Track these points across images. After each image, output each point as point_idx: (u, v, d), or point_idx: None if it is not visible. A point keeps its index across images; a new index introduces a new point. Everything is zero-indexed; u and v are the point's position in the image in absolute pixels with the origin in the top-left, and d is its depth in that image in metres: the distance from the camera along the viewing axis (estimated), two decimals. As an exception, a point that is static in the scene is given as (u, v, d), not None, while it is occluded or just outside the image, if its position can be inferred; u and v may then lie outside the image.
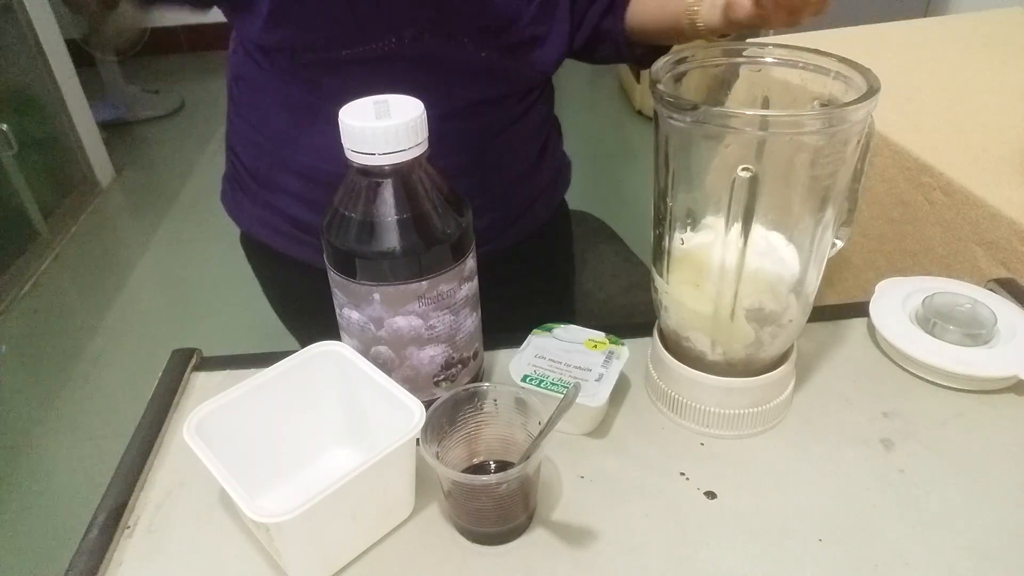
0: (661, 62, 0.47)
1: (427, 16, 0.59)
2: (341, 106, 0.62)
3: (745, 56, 0.49)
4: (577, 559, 0.44)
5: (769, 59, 0.48)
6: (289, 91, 0.66)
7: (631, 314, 1.00)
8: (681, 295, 0.49)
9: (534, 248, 0.80)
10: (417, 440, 0.42)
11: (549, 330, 0.56)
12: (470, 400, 0.47)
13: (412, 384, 0.50)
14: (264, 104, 0.69)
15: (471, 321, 0.51)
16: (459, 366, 0.52)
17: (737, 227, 0.45)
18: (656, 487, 0.48)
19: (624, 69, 2.95)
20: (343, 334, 0.51)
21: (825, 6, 0.51)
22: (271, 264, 0.77)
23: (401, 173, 0.45)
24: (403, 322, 0.47)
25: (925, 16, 1.83)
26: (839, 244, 0.51)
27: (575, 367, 0.52)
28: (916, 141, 0.86)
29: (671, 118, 0.43)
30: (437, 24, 0.60)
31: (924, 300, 0.58)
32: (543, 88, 0.75)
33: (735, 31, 0.58)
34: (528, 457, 0.42)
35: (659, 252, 0.51)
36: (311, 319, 0.60)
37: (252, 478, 0.44)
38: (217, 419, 0.44)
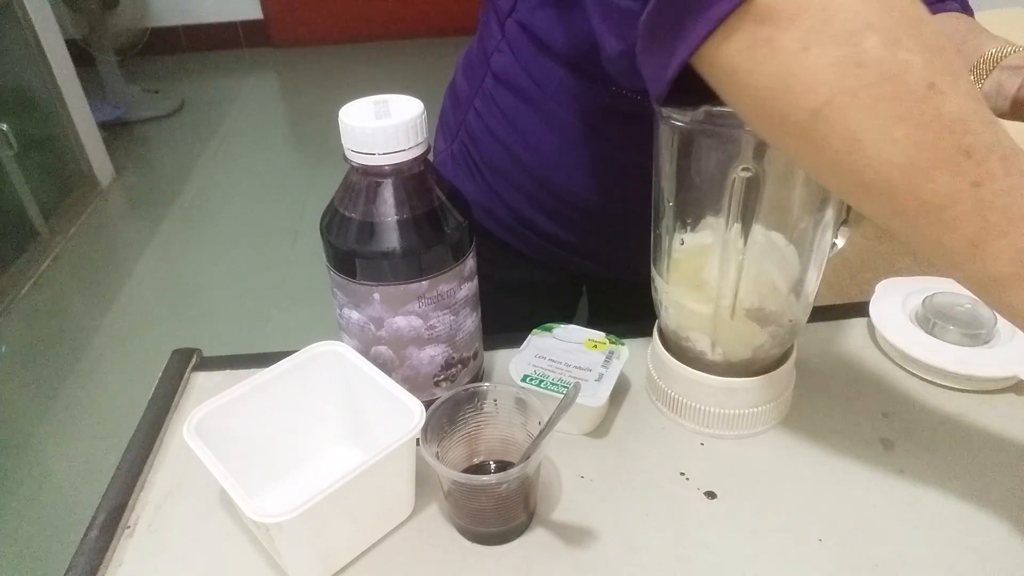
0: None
1: None
2: (616, 146, 0.63)
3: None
4: (577, 559, 0.44)
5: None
6: (560, 117, 0.63)
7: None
8: (681, 295, 0.49)
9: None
10: (417, 440, 0.42)
11: (549, 330, 0.56)
12: (470, 400, 0.47)
13: (412, 384, 0.50)
14: (530, 118, 0.65)
15: (471, 321, 0.51)
16: (459, 366, 0.52)
17: (737, 227, 0.45)
18: (656, 487, 0.48)
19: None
20: (343, 334, 0.51)
21: None
22: (483, 244, 0.67)
23: (401, 173, 0.45)
24: (403, 322, 0.47)
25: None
26: (839, 244, 0.51)
27: (575, 367, 0.52)
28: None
29: (671, 118, 0.43)
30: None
31: (924, 300, 0.58)
32: None
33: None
34: (528, 457, 0.42)
35: (659, 252, 0.51)
36: (500, 307, 0.58)
37: (252, 478, 0.44)
38: (217, 419, 0.44)
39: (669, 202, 0.48)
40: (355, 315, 0.48)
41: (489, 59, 0.67)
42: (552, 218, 0.70)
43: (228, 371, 0.59)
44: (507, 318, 0.59)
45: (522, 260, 0.75)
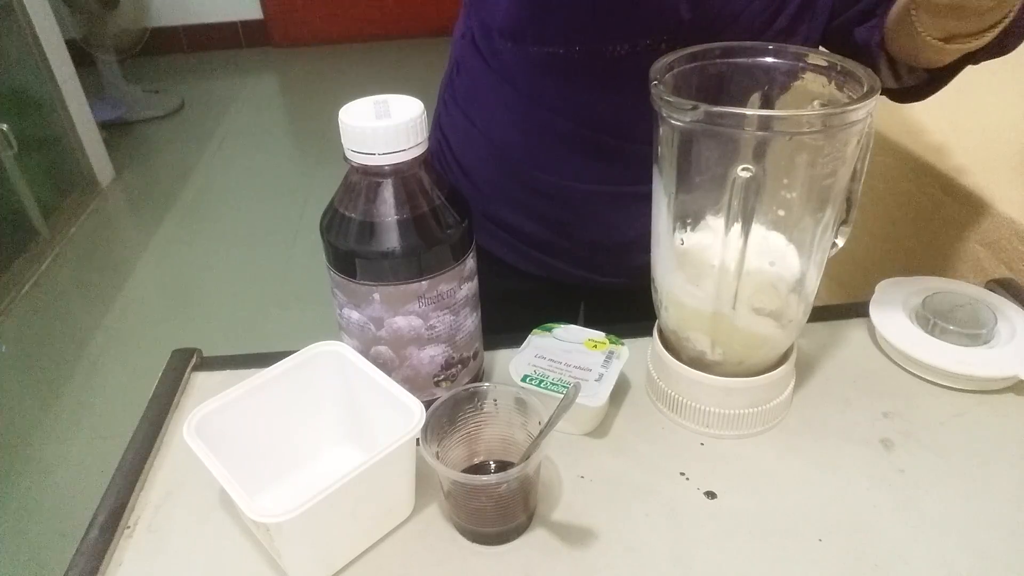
0: (661, 62, 0.47)
1: (670, 25, 0.56)
2: (562, 116, 0.64)
3: (745, 56, 0.49)
4: (577, 559, 0.44)
5: (769, 59, 0.48)
6: (509, 93, 0.64)
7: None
8: (681, 295, 0.49)
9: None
10: (417, 440, 0.42)
11: (549, 330, 0.56)
12: (470, 400, 0.47)
13: (412, 384, 0.50)
14: (485, 100, 0.67)
15: (471, 321, 0.51)
16: (459, 366, 0.52)
17: (737, 227, 0.45)
18: (656, 487, 0.48)
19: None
20: (343, 334, 0.51)
21: None
22: (483, 261, 0.61)
23: (401, 173, 0.45)
24: (403, 322, 0.47)
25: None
26: (839, 244, 0.51)
27: (575, 367, 0.52)
28: (916, 141, 0.86)
29: (671, 118, 0.43)
30: (678, 35, 0.56)
31: (924, 300, 0.58)
32: None
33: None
34: (528, 457, 0.42)
35: (659, 252, 0.51)
36: (509, 323, 0.59)
37: (252, 478, 0.44)
38: (217, 419, 0.44)
39: (669, 202, 0.48)
40: (355, 315, 0.48)
41: (455, 48, 0.69)
42: (516, 209, 0.70)
43: (228, 371, 0.59)
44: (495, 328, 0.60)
45: (502, 267, 0.75)
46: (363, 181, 0.46)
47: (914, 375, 0.56)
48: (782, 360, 0.51)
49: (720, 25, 0.55)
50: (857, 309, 0.62)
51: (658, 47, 0.56)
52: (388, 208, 0.45)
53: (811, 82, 0.47)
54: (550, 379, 0.51)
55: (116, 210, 2.51)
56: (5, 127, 1.99)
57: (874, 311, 0.59)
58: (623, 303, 0.70)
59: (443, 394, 0.46)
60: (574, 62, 0.59)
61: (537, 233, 0.71)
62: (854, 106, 0.41)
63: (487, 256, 0.74)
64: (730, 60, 0.49)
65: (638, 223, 0.60)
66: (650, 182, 0.50)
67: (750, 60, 0.49)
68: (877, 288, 0.61)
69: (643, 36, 0.57)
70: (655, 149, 0.47)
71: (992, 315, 0.57)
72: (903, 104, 0.61)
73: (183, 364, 0.59)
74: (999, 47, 0.51)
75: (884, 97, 0.62)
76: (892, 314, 0.58)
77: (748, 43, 0.49)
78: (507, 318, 0.62)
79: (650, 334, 0.55)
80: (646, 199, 0.50)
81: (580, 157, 0.64)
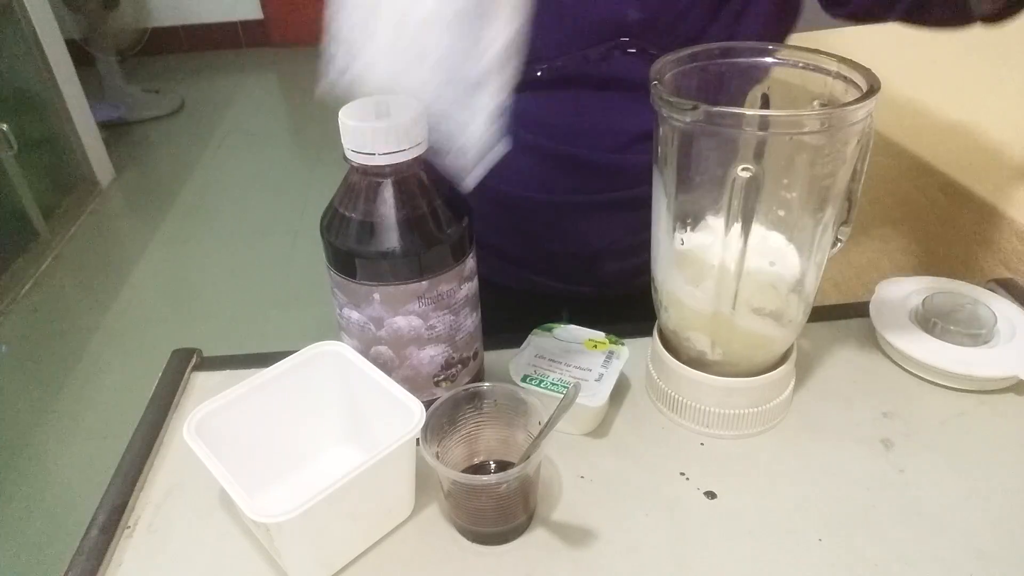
0: (661, 62, 0.47)
1: (618, 29, 0.55)
2: (523, 128, 0.62)
3: (745, 56, 0.49)
4: (577, 559, 0.44)
5: (769, 59, 0.48)
6: None
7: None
8: (681, 295, 0.49)
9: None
10: (417, 440, 0.42)
11: (549, 330, 0.56)
12: (470, 400, 0.47)
13: (412, 384, 0.50)
14: None
15: (471, 321, 0.51)
16: (459, 366, 0.52)
17: (737, 227, 0.45)
18: (656, 487, 0.48)
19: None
20: (343, 334, 0.51)
21: None
22: None
23: (401, 173, 0.45)
24: (403, 322, 0.47)
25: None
26: (840, 244, 0.51)
27: (575, 367, 0.52)
28: (916, 141, 0.86)
29: (671, 118, 0.43)
30: (630, 37, 0.55)
31: (924, 300, 0.58)
32: None
33: None
34: (528, 457, 0.42)
35: (658, 252, 0.51)
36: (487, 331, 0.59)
37: (252, 478, 0.44)
38: (217, 419, 0.44)
39: (669, 202, 0.48)
40: (355, 315, 0.48)
41: None
42: (484, 222, 0.69)
43: (228, 371, 0.59)
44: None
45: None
46: (363, 181, 0.46)
47: (914, 375, 0.56)
48: (782, 360, 0.51)
49: (667, 22, 0.55)
50: (857, 309, 0.62)
51: (611, 54, 0.56)
52: (388, 208, 0.45)
53: (811, 82, 0.47)
54: (550, 379, 0.51)
55: (116, 210, 2.51)
56: (5, 127, 1.99)
57: (874, 311, 0.59)
58: (604, 311, 0.70)
59: (443, 394, 0.46)
60: (532, 79, 0.59)
61: (506, 246, 0.71)
62: (854, 106, 0.41)
63: None
64: (730, 60, 0.49)
65: (607, 232, 0.59)
66: (614, 191, 0.49)
67: (750, 60, 0.49)
68: (877, 288, 0.61)
69: (593, 45, 0.56)
70: (655, 149, 0.47)
71: (992, 315, 0.57)
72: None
73: (183, 364, 0.59)
74: None
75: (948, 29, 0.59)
76: (892, 314, 0.58)
77: (748, 43, 0.49)
78: (493, 327, 0.62)
79: (650, 334, 0.55)
80: (612, 208, 0.49)
81: (544, 168, 0.64)
